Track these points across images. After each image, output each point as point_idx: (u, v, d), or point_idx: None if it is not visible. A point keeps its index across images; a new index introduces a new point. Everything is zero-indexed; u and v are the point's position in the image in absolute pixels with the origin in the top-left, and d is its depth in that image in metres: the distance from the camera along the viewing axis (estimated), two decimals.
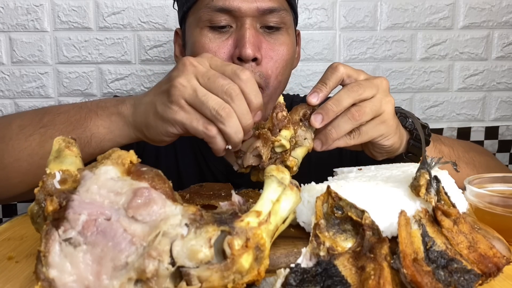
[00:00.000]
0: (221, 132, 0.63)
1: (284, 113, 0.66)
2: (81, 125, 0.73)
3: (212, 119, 0.62)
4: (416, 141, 0.79)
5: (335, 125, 0.68)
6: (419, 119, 0.82)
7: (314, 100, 0.68)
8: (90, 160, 0.73)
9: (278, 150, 0.64)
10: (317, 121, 0.67)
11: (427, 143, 0.81)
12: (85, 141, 0.73)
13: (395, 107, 0.75)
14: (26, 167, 0.74)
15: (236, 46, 0.87)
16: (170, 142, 0.71)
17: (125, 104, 0.73)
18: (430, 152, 0.83)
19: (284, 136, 0.64)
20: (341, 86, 0.72)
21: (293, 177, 0.50)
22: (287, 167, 0.65)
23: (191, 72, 0.64)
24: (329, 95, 0.71)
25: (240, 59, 0.87)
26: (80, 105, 0.77)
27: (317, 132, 0.69)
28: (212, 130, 0.63)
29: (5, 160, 0.74)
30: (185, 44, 0.99)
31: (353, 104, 0.69)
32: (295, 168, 0.66)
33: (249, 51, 0.84)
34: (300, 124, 0.68)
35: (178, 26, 1.04)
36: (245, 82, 0.63)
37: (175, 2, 1.01)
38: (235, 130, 0.62)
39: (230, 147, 0.64)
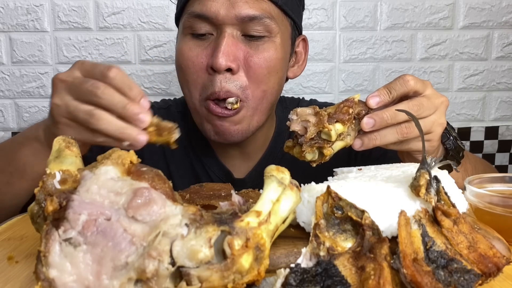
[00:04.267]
0: (104, 134, 0.63)
1: (351, 110, 0.67)
2: (13, 158, 0.76)
3: (88, 125, 0.63)
4: (448, 159, 0.79)
5: (381, 134, 0.69)
6: (458, 137, 0.82)
7: (373, 103, 0.69)
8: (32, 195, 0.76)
9: (323, 136, 0.66)
10: (368, 125, 0.68)
11: (458, 164, 0.82)
12: (21, 170, 0.76)
13: None
14: (6, 204, 0.79)
15: (211, 56, 0.84)
16: (85, 150, 0.71)
17: (39, 130, 0.75)
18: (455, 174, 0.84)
19: (336, 129, 0.66)
20: None
21: (293, 177, 0.50)
22: (321, 153, 0.67)
23: (61, 89, 0.66)
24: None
25: (213, 69, 0.84)
26: (12, 139, 0.83)
27: (361, 132, 0.70)
28: (99, 138, 0.64)
29: None
30: None
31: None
32: (327, 158, 0.67)
33: (220, 61, 0.81)
34: (353, 121, 0.69)
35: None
36: (113, 79, 0.63)
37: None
38: (113, 128, 0.62)
39: (127, 142, 0.63)
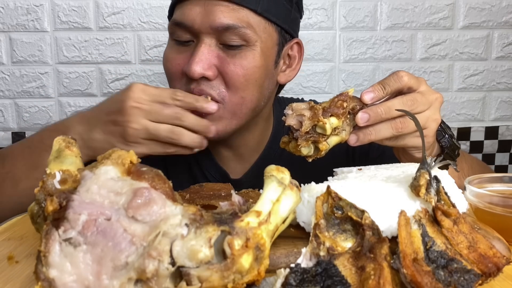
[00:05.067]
0: (180, 146, 0.80)
1: (345, 104, 0.67)
2: (40, 165, 0.79)
3: (169, 142, 0.79)
4: (445, 159, 0.79)
5: (376, 129, 0.69)
6: (453, 135, 0.82)
7: (367, 98, 0.69)
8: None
9: (318, 130, 0.66)
10: (362, 119, 0.68)
11: (454, 162, 0.81)
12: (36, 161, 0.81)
13: None
14: (8, 207, 0.81)
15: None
16: None
17: (76, 133, 0.81)
18: (452, 168, 0.83)
19: (331, 123, 0.66)
20: None
21: (293, 177, 0.50)
22: (317, 148, 0.67)
23: (137, 115, 0.77)
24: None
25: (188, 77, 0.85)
26: (28, 146, 0.87)
27: (356, 127, 0.70)
28: (171, 149, 0.81)
29: None
30: None
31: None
32: (323, 153, 0.68)
33: (194, 69, 0.82)
34: (348, 116, 0.69)
35: None
36: (183, 97, 0.79)
37: None
38: (190, 140, 0.80)
39: (196, 150, 0.83)
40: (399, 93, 0.72)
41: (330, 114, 0.66)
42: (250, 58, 0.86)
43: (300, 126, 0.66)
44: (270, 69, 0.92)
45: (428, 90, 0.73)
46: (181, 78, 0.88)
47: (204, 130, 0.80)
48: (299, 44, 0.99)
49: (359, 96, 0.70)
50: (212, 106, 0.81)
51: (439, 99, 0.74)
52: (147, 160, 1.00)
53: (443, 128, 0.80)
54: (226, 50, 0.85)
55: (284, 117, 0.68)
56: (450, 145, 0.80)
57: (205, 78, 0.84)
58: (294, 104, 0.68)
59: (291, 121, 0.67)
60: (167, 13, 1.02)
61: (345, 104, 0.67)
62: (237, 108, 0.89)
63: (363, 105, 0.69)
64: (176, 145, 0.79)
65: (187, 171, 1.04)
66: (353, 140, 0.69)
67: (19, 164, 0.83)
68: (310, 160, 0.69)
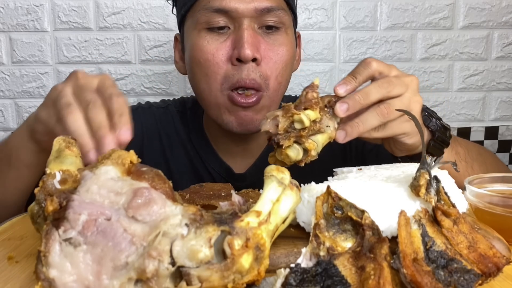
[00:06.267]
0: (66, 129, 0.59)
1: (315, 94, 0.65)
2: (6, 143, 0.79)
3: (60, 116, 0.61)
4: (437, 143, 0.79)
5: (363, 119, 0.67)
6: (440, 118, 0.82)
7: (341, 91, 0.67)
8: (25, 181, 0.78)
9: (297, 126, 0.63)
10: (341, 109, 0.65)
11: (447, 145, 0.81)
12: (9, 155, 0.77)
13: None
14: (11, 203, 0.80)
15: (235, 47, 0.87)
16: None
17: (34, 112, 0.75)
18: (448, 153, 0.83)
19: (306, 114, 0.63)
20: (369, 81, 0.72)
21: (293, 177, 0.50)
22: (305, 150, 0.63)
23: (69, 84, 0.64)
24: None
25: (239, 60, 0.86)
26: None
27: (342, 123, 0.68)
28: (57, 127, 0.61)
29: None
30: (183, 48, 0.98)
31: (380, 101, 0.68)
32: (313, 152, 0.63)
33: (248, 52, 0.84)
34: (326, 109, 0.66)
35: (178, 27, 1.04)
36: (113, 97, 0.61)
37: (174, 7, 1.01)
38: (75, 127, 0.58)
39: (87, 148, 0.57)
40: (372, 81, 0.71)
41: (303, 107, 0.63)
42: (286, 41, 0.91)
43: (275, 131, 0.63)
44: (294, 55, 0.97)
45: (401, 74, 0.72)
46: (223, 65, 0.88)
47: (102, 135, 0.57)
48: (299, 37, 1.06)
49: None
50: (127, 135, 0.58)
51: (414, 81, 0.72)
52: (148, 155, 1.02)
53: (428, 113, 0.79)
54: (266, 34, 0.90)
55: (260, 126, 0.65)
56: (440, 127, 0.79)
57: (252, 64, 0.86)
58: (268, 113, 0.66)
59: (266, 126, 0.64)
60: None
61: (314, 94, 0.64)
62: (275, 94, 0.92)
63: (339, 98, 0.67)
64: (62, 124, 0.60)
65: (190, 166, 1.05)
66: (341, 136, 0.66)
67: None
68: (302, 164, 0.65)
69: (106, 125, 0.58)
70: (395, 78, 0.70)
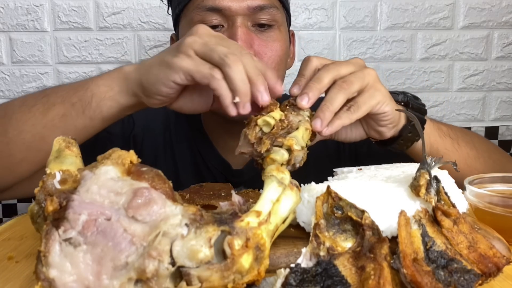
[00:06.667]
0: (227, 78, 0.61)
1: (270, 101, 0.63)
2: (83, 87, 0.74)
3: (219, 63, 0.62)
4: (415, 110, 0.79)
5: (328, 99, 0.66)
6: (406, 93, 0.83)
7: (295, 90, 0.67)
8: (91, 131, 0.75)
9: (265, 129, 0.61)
10: (303, 101, 0.64)
11: (424, 112, 0.81)
12: (86, 102, 0.73)
13: None
14: (29, 139, 0.74)
15: None
16: (165, 102, 0.70)
17: (130, 65, 0.74)
18: (430, 128, 0.83)
19: (269, 115, 0.61)
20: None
21: (293, 177, 0.50)
22: (289, 150, 0.59)
23: (204, 34, 0.66)
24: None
25: None
26: (73, 86, 0.77)
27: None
28: (218, 73, 0.62)
29: (8, 134, 0.75)
30: None
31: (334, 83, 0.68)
32: (296, 147, 0.59)
33: None
34: (288, 108, 0.65)
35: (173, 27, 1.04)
36: (257, 61, 0.64)
37: (169, 7, 1.02)
38: (241, 77, 0.61)
39: (238, 99, 0.61)
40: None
41: (263, 114, 0.62)
42: (280, 37, 0.92)
43: (252, 146, 0.60)
44: (288, 51, 0.98)
45: (357, 66, 0.71)
46: None
47: (260, 85, 0.62)
48: (293, 35, 1.07)
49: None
50: (279, 87, 0.65)
51: (359, 60, 0.72)
52: (155, 154, 1.02)
53: (393, 92, 0.79)
54: (259, 32, 0.90)
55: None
56: (410, 97, 0.80)
57: None
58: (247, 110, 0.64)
59: (242, 149, 0.62)
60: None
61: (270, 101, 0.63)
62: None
63: (295, 98, 0.66)
64: (224, 73, 0.62)
65: (191, 161, 1.06)
66: (317, 124, 0.64)
67: (62, 89, 0.77)
68: (291, 163, 0.60)
69: (259, 74, 0.62)
70: (339, 62, 0.71)
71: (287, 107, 0.65)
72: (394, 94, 0.79)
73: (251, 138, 0.60)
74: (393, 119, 0.74)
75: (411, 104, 0.80)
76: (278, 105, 0.64)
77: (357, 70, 0.70)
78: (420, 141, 0.79)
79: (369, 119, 0.74)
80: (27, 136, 0.74)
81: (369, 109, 0.70)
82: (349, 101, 0.68)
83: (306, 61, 0.72)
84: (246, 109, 0.62)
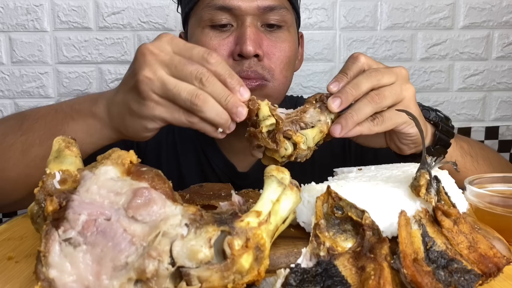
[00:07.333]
0: (204, 119, 0.60)
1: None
2: (59, 130, 0.70)
3: (190, 108, 0.60)
4: (443, 133, 0.79)
5: (355, 108, 0.65)
6: (440, 111, 0.82)
7: (334, 88, 0.66)
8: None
9: (267, 122, 0.61)
10: (335, 104, 0.64)
11: (452, 136, 0.81)
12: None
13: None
14: (14, 177, 0.74)
15: (237, 43, 0.87)
16: (152, 137, 0.69)
17: (98, 105, 0.70)
18: (453, 147, 0.83)
19: (262, 116, 0.61)
20: None
21: (293, 177, 0.50)
22: (295, 144, 0.61)
23: (154, 62, 0.61)
24: None
25: (241, 56, 0.87)
26: (56, 108, 0.75)
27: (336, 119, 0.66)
28: (195, 118, 0.61)
29: None
30: None
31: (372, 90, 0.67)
32: (302, 146, 0.61)
33: (250, 48, 0.85)
34: (315, 103, 0.65)
35: (178, 27, 1.04)
36: (215, 65, 0.61)
37: (179, 5, 1.02)
38: (215, 113, 0.60)
39: (221, 130, 0.61)
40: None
41: (256, 117, 0.63)
42: (289, 38, 0.93)
43: (259, 146, 0.63)
44: (297, 53, 0.99)
45: (389, 66, 0.72)
46: (227, 61, 0.89)
47: (232, 106, 0.60)
48: (302, 37, 1.07)
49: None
50: (245, 94, 0.62)
51: (403, 70, 0.71)
52: (159, 155, 1.01)
53: (427, 108, 0.80)
54: (268, 32, 0.91)
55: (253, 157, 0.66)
56: (442, 118, 0.80)
57: (254, 58, 0.87)
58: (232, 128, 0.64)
59: (256, 154, 0.64)
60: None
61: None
62: (282, 87, 0.93)
63: (330, 95, 0.66)
64: (198, 115, 0.61)
65: (197, 162, 1.06)
66: (337, 131, 0.64)
67: (38, 127, 0.73)
68: (292, 159, 0.63)
69: (228, 93, 0.61)
70: (383, 68, 0.70)
71: (315, 102, 0.66)
72: (427, 110, 0.79)
73: (270, 146, 0.61)
74: (415, 139, 0.74)
75: (440, 126, 0.79)
76: (258, 99, 0.62)
77: (397, 82, 0.69)
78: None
79: (393, 133, 0.74)
80: (11, 174, 0.73)
81: (393, 127, 0.69)
82: (377, 111, 0.67)
83: (353, 58, 0.70)
84: (231, 128, 0.62)
